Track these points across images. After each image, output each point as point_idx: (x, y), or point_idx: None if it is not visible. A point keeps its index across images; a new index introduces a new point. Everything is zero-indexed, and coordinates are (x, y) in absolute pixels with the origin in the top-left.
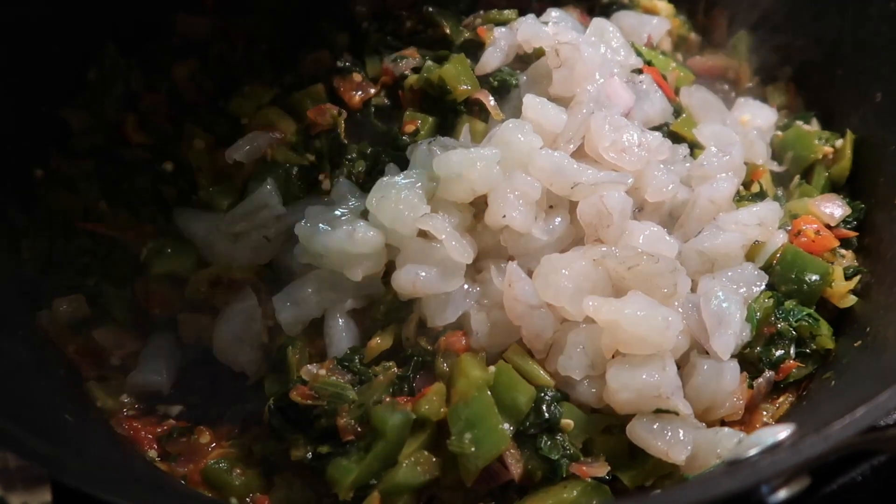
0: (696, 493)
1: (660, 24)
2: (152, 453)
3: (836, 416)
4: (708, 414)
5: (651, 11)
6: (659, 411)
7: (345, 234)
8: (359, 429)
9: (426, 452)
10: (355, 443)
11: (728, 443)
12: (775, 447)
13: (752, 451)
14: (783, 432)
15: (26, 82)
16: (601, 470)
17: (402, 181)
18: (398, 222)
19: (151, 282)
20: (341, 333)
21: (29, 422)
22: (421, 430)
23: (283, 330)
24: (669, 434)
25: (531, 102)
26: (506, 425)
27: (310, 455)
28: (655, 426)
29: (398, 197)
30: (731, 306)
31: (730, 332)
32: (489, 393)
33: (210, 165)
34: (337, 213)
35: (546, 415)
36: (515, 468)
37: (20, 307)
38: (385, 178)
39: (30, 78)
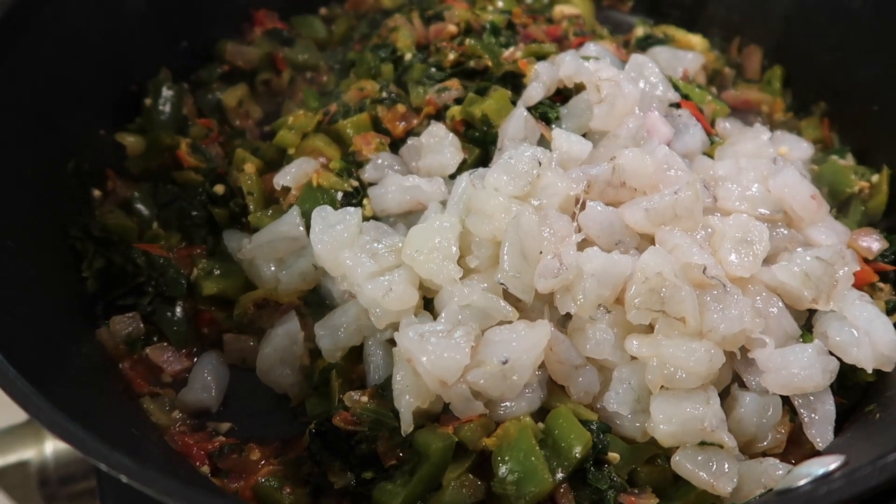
0: None
1: (695, 59)
2: (205, 469)
3: (887, 448)
4: (750, 446)
5: (686, 46)
6: (703, 444)
7: (381, 290)
8: (400, 454)
9: (471, 476)
10: (399, 467)
11: (773, 473)
12: (825, 477)
13: (802, 482)
14: (833, 463)
15: (86, 107)
16: (650, 502)
17: (438, 226)
18: (435, 275)
19: (201, 302)
20: (380, 362)
21: (105, 432)
22: (465, 455)
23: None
24: (715, 466)
25: (559, 134)
26: (559, 471)
27: (354, 482)
28: (700, 458)
29: (433, 246)
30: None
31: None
32: (531, 434)
33: (259, 189)
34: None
35: (593, 447)
36: None
37: (82, 323)
38: (421, 226)
39: (89, 102)
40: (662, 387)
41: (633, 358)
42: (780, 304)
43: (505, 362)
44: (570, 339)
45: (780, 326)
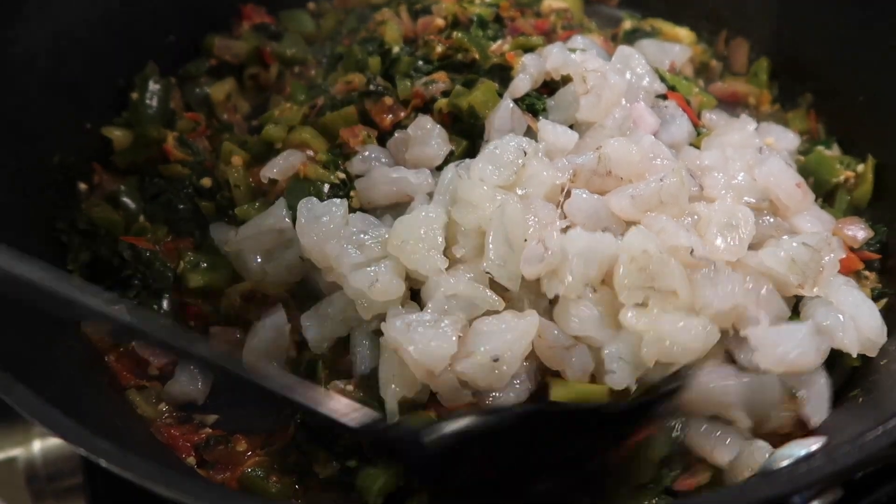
0: (732, 498)
1: (682, 51)
2: (191, 460)
3: (869, 429)
4: (759, 427)
5: (673, 39)
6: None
7: (367, 280)
8: None
9: None
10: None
11: (760, 456)
12: (807, 459)
13: (784, 463)
14: (815, 444)
15: (72, 101)
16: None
17: (424, 217)
18: (420, 265)
19: (187, 295)
20: (366, 352)
21: (90, 423)
22: None
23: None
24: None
25: (545, 126)
26: None
27: (338, 471)
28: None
29: (419, 236)
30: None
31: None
32: None
33: (246, 182)
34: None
35: None
36: None
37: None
38: (407, 217)
39: (75, 96)
40: (657, 362)
41: (619, 333)
42: (770, 285)
43: (496, 360)
44: (557, 322)
45: (771, 308)
